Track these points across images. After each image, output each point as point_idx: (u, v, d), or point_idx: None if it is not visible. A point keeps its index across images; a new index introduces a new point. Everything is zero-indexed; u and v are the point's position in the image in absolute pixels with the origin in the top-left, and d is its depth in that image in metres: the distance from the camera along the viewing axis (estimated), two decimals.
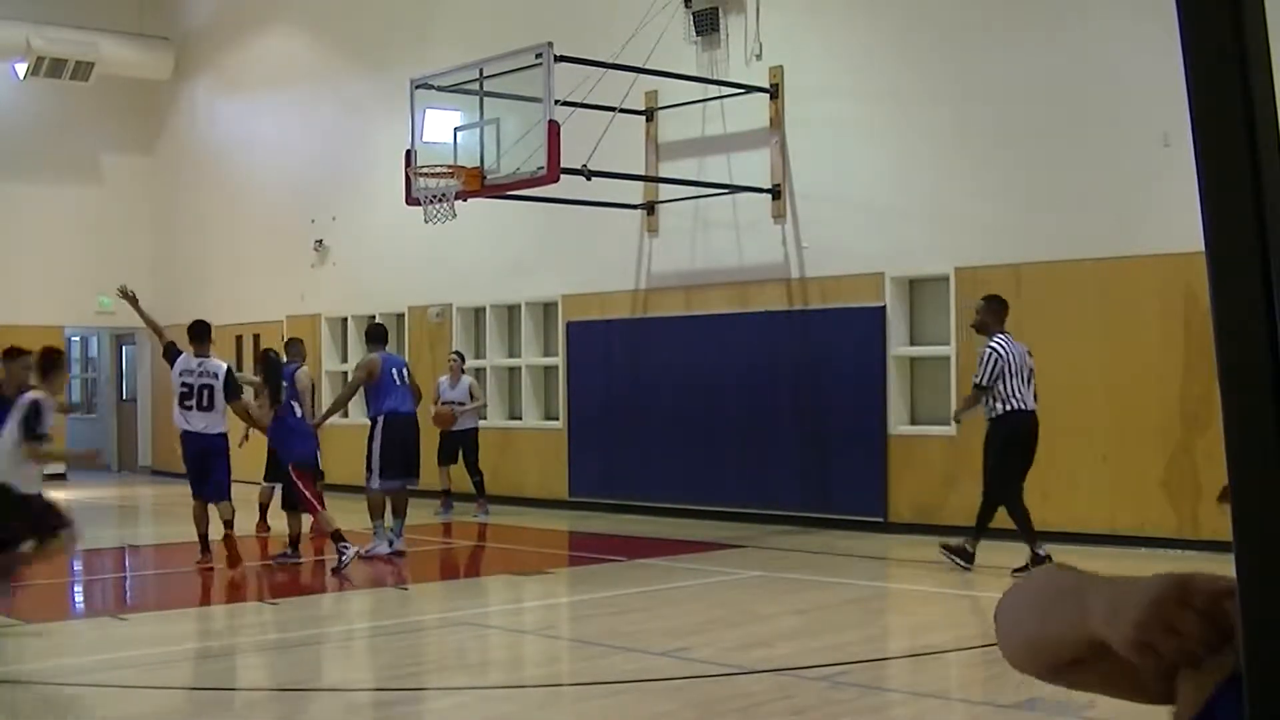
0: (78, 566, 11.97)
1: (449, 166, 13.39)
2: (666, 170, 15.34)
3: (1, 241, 22.04)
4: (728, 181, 14.78)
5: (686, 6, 14.99)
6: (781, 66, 14.49)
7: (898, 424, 13.68)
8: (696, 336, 15.17)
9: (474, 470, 15.89)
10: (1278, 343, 0.86)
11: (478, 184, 13.29)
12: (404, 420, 12.38)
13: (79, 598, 11.28)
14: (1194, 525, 11.31)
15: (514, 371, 17.64)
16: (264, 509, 13.87)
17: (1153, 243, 11.59)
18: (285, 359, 13.18)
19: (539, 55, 12.74)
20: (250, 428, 12.86)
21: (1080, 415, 11.94)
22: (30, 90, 22.15)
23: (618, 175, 14.07)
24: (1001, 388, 10.61)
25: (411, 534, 12.89)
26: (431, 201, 13.36)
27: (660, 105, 15.40)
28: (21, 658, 8.30)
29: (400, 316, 18.77)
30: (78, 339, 25.19)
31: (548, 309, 17.17)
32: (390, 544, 12.32)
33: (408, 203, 13.97)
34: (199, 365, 11.75)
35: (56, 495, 9.01)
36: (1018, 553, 10.51)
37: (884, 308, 13.70)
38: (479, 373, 17.19)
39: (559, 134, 12.50)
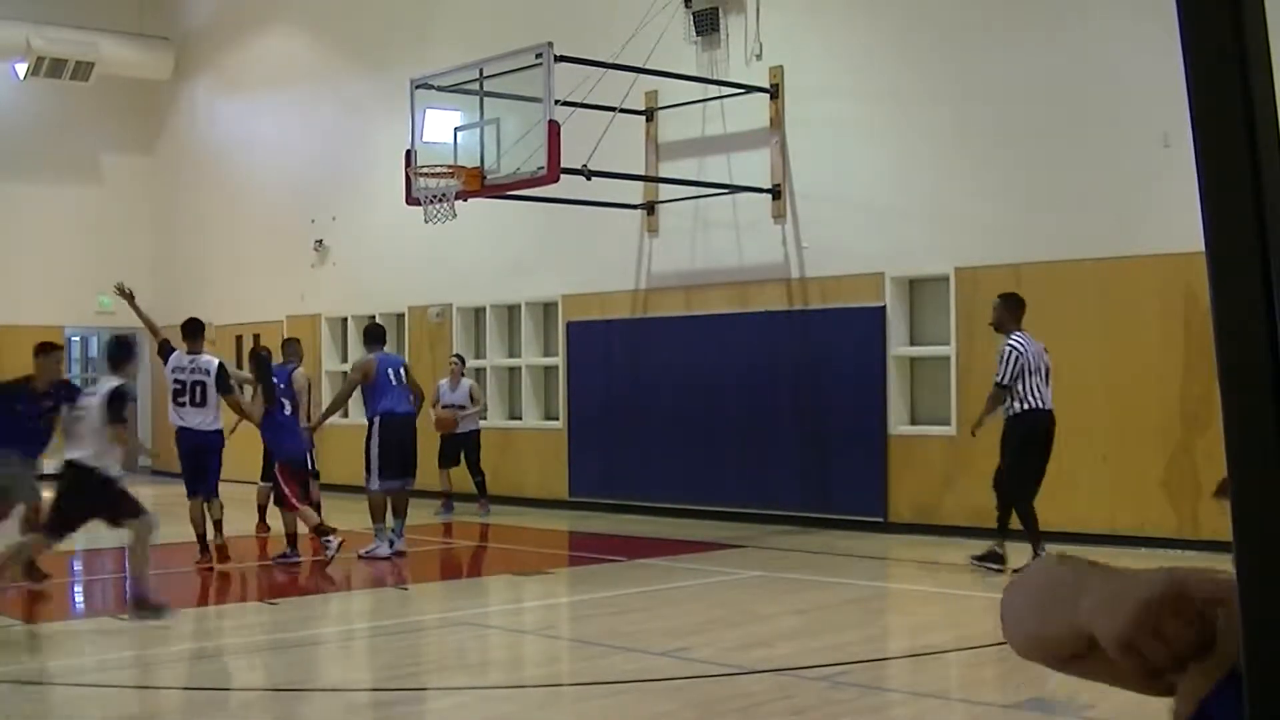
0: (78, 566, 11.98)
1: (449, 166, 13.39)
2: (666, 170, 15.34)
3: (1, 241, 22.04)
4: (728, 181, 14.78)
5: (686, 6, 14.99)
6: (781, 66, 14.49)
7: (898, 424, 13.68)
8: (696, 336, 15.17)
9: (476, 470, 15.91)
10: (1278, 343, 0.86)
11: (478, 184, 13.29)
12: (400, 420, 12.38)
13: (79, 598, 11.27)
14: (1194, 525, 11.31)
15: (514, 371, 17.64)
16: (263, 510, 13.89)
17: (1153, 243, 11.59)
18: (282, 359, 13.22)
19: (539, 55, 12.74)
20: (241, 420, 13.01)
21: (1080, 415, 11.93)
22: (30, 90, 22.15)
23: (618, 175, 14.07)
24: (1020, 386, 10.53)
25: (412, 534, 12.89)
26: (431, 201, 13.36)
27: (660, 105, 15.39)
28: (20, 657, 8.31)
29: (400, 316, 18.77)
30: (78, 339, 25.17)
31: (548, 309, 17.17)
32: (391, 544, 12.34)
33: (408, 203, 13.97)
34: (191, 362, 11.92)
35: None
36: (1020, 553, 10.51)
37: (884, 308, 13.70)
38: (479, 373, 17.19)
39: (559, 134, 12.50)
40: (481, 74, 13.69)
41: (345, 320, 19.73)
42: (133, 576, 9.00)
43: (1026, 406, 10.53)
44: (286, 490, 11.94)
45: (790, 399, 14.47)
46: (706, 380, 15.00)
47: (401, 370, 12.70)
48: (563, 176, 12.73)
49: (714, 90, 14.73)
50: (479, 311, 17.94)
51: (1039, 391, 10.54)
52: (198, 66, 23.09)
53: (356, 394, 13.38)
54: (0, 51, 21.39)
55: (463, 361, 16.35)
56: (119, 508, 9.03)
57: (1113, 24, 11.99)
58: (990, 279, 12.78)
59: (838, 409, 13.97)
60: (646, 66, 13.92)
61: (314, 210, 20.21)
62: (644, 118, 15.42)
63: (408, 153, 14.00)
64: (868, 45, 14.04)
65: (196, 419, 11.71)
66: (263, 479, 13.44)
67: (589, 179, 13.31)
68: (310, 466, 12.86)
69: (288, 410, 12.29)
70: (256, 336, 20.09)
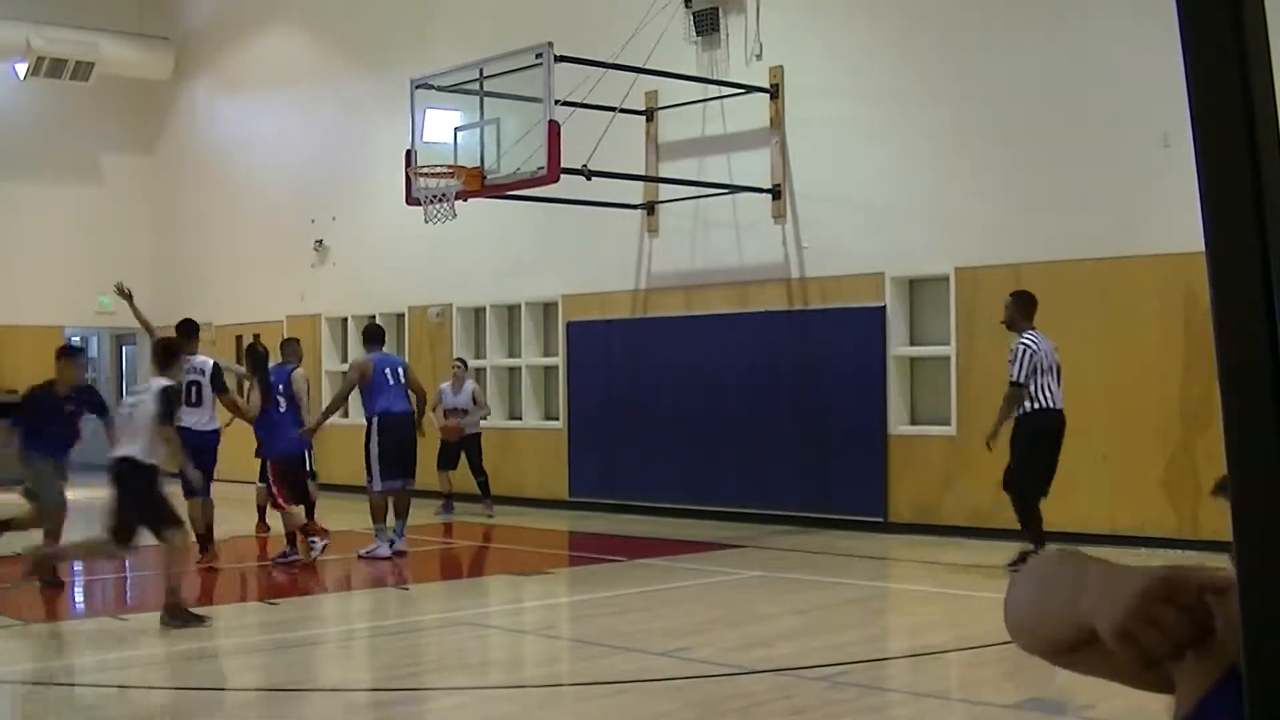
0: (78, 567, 11.97)
1: (449, 166, 13.39)
2: (666, 170, 15.34)
3: (1, 241, 22.05)
4: (728, 181, 14.78)
5: (686, 6, 14.99)
6: (781, 66, 14.50)
7: (898, 424, 13.68)
8: (696, 336, 15.17)
9: (478, 471, 15.92)
10: (1278, 343, 0.86)
11: (478, 184, 13.29)
12: (397, 420, 12.38)
13: (79, 598, 11.27)
14: (1194, 525, 11.31)
15: (514, 371, 17.65)
16: (262, 510, 13.90)
17: (1153, 243, 11.59)
18: (281, 359, 13.22)
19: (539, 55, 12.74)
20: (234, 418, 13.08)
21: (1080, 415, 11.90)
22: (30, 90, 22.15)
23: (618, 175, 14.07)
24: (1031, 385, 10.46)
25: (412, 534, 12.89)
26: (431, 201, 13.36)
27: (660, 105, 15.40)
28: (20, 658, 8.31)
29: (400, 316, 18.77)
30: (78, 339, 25.17)
31: (548, 309, 17.17)
32: (392, 544, 12.35)
33: (408, 203, 13.97)
34: (186, 363, 11.93)
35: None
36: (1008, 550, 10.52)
37: (884, 308, 13.70)
38: (479, 373, 17.19)
39: (559, 134, 12.50)
40: (481, 74, 13.69)
41: (345, 320, 19.73)
42: (169, 586, 8.99)
43: (1037, 406, 10.43)
44: (275, 489, 11.97)
45: (790, 399, 14.47)
46: (706, 380, 15.00)
47: (400, 370, 12.69)
48: (563, 176, 12.73)
49: (714, 90, 14.73)
50: (479, 311, 17.94)
51: (1050, 391, 10.46)
52: (198, 66, 23.09)
53: (356, 394, 13.40)
54: (0, 51, 21.39)
55: (465, 365, 16.35)
56: (162, 512, 9.06)
57: (1113, 24, 11.99)
58: (990, 279, 12.79)
59: (838, 409, 13.97)
60: (646, 66, 13.92)
61: (314, 210, 20.21)
62: (644, 118, 15.42)
63: (408, 153, 14.00)
64: (868, 45, 14.04)
65: (193, 419, 11.75)
66: (260, 479, 13.45)
67: (589, 179, 13.31)
68: (308, 467, 12.85)
69: (283, 408, 12.31)
70: (256, 336, 20.11)
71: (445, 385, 15.98)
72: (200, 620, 8.92)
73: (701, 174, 15.00)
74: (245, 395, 12.89)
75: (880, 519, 13.62)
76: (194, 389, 11.87)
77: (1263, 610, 0.89)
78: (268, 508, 13.51)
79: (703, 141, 15.19)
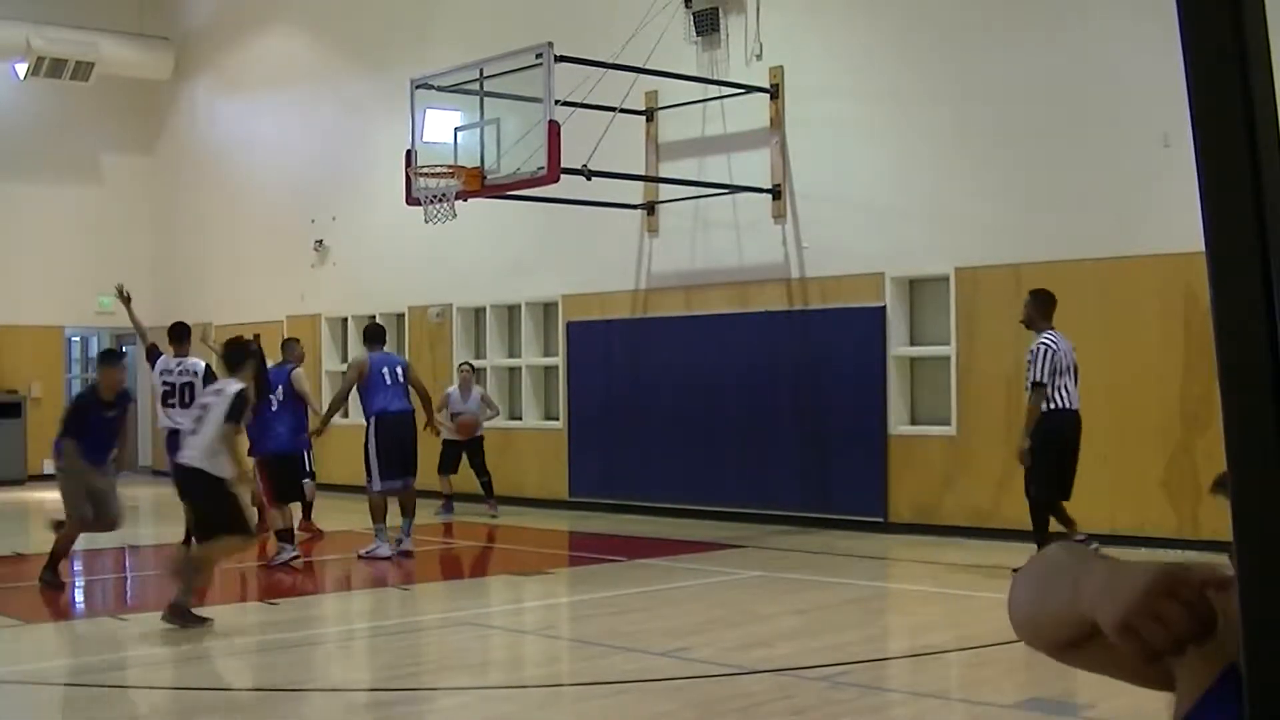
0: (77, 566, 11.98)
1: (449, 166, 13.39)
2: (666, 170, 15.34)
3: (1, 241, 22.05)
4: (728, 181, 14.78)
5: (686, 6, 14.99)
6: (781, 66, 14.50)
7: (898, 424, 13.67)
8: (696, 336, 15.17)
9: (481, 472, 15.93)
10: (1278, 343, 0.86)
11: (478, 184, 13.29)
12: (395, 419, 12.39)
13: (79, 598, 11.28)
14: (1194, 525, 11.31)
15: (514, 371, 17.65)
16: (261, 510, 13.89)
17: (1153, 243, 11.59)
18: (282, 359, 13.23)
19: (539, 55, 12.74)
20: None
21: (1081, 415, 11.92)
22: (30, 90, 22.15)
23: (618, 175, 14.07)
24: (1049, 385, 10.37)
25: (413, 534, 12.88)
26: (431, 201, 13.36)
27: (660, 105, 15.40)
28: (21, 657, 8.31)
29: (400, 316, 18.77)
30: (78, 339, 25.18)
31: (548, 309, 17.17)
32: (399, 542, 12.37)
33: (408, 203, 13.97)
34: (178, 365, 12.27)
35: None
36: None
37: (884, 308, 13.70)
38: (479, 373, 17.19)
39: (559, 134, 12.50)
40: (481, 74, 13.69)
41: (345, 320, 19.73)
42: (184, 586, 8.92)
43: (1053, 406, 10.30)
44: (261, 487, 11.98)
45: (790, 399, 14.47)
46: (706, 380, 15.00)
47: (399, 369, 12.68)
48: (563, 176, 12.73)
49: (714, 90, 14.73)
50: (479, 311, 17.94)
51: (1067, 391, 10.34)
52: (198, 66, 23.09)
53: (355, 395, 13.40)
54: (0, 51, 21.39)
55: (473, 369, 16.39)
56: (217, 516, 9.02)
57: (1113, 24, 11.99)
58: (990, 279, 12.79)
59: (838, 409, 13.97)
60: (646, 66, 13.92)
61: (314, 210, 20.21)
62: (644, 118, 15.42)
63: (408, 153, 14.00)
64: (868, 45, 14.04)
65: (186, 419, 11.80)
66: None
67: (589, 179, 13.31)
68: (307, 467, 12.86)
69: (274, 407, 12.34)
70: (256, 336, 20.12)
71: (452, 389, 15.97)
72: (202, 621, 8.91)
73: (701, 174, 15.00)
74: None
75: (880, 519, 13.62)
76: (187, 390, 11.95)
77: (1263, 610, 0.89)
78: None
79: (703, 141, 15.19)
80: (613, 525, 14.96)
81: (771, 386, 14.55)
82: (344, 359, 19.28)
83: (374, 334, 13.06)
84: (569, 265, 16.53)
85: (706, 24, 14.94)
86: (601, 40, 14.14)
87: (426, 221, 13.62)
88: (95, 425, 10.65)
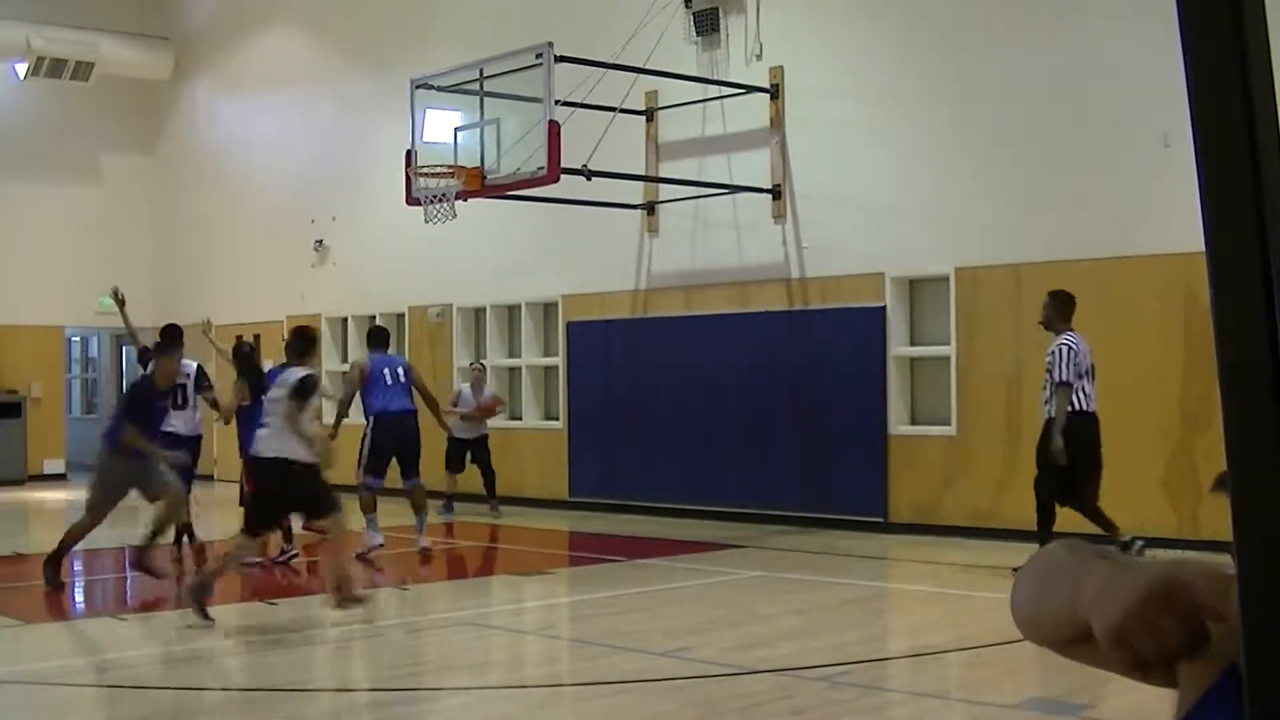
0: (77, 566, 11.98)
1: (449, 166, 13.40)
2: (666, 170, 15.34)
3: (1, 241, 22.04)
4: (728, 181, 14.78)
5: (686, 6, 14.99)
6: (781, 66, 14.49)
7: (898, 424, 13.67)
8: (696, 336, 15.17)
9: (487, 471, 15.95)
10: (1278, 343, 0.86)
11: (478, 184, 13.29)
12: (393, 419, 12.42)
13: (79, 598, 11.28)
14: (1194, 525, 11.31)
15: (514, 372, 17.65)
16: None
17: (1153, 243, 11.59)
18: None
19: (539, 55, 12.74)
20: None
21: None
22: (30, 90, 22.15)
23: (618, 175, 14.07)
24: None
25: (412, 534, 12.88)
26: (431, 201, 13.37)
27: (660, 105, 15.40)
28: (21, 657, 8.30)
29: (400, 316, 18.77)
30: (78, 339, 25.18)
31: (548, 309, 17.17)
32: (417, 541, 12.49)
33: (408, 203, 13.97)
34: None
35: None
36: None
37: (884, 308, 13.69)
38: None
39: (559, 134, 12.50)
40: (481, 74, 13.69)
41: (345, 320, 19.73)
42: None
43: (1070, 409, 10.31)
44: (245, 486, 11.98)
45: (790, 399, 14.47)
46: (706, 380, 15.00)
47: (400, 370, 12.71)
48: (563, 176, 12.73)
49: (714, 90, 14.73)
50: (479, 311, 17.94)
51: (1085, 394, 10.29)
52: (198, 66, 23.09)
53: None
54: (0, 51, 21.39)
55: (484, 368, 16.44)
56: (312, 501, 9.30)
57: (1113, 24, 11.98)
58: (990, 279, 12.79)
59: (838, 409, 13.96)
60: (646, 66, 13.92)
61: (314, 210, 20.21)
62: (644, 118, 15.42)
63: (408, 153, 14.00)
64: (868, 45, 14.04)
65: (178, 422, 11.97)
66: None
67: (589, 179, 13.31)
68: None
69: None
70: (257, 337, 20.12)
71: (464, 386, 16.04)
72: (207, 619, 8.90)
73: (701, 174, 15.00)
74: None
75: (880, 519, 13.62)
76: (179, 391, 12.00)
77: (1263, 610, 0.89)
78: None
79: (703, 141, 15.19)
80: (613, 525, 14.96)
81: (771, 386, 14.55)
82: (344, 359, 19.29)
83: (376, 336, 13.10)
84: (569, 265, 16.53)
85: (706, 24, 14.94)
86: (601, 40, 14.14)
87: (426, 221, 13.62)
88: (152, 412, 10.89)
